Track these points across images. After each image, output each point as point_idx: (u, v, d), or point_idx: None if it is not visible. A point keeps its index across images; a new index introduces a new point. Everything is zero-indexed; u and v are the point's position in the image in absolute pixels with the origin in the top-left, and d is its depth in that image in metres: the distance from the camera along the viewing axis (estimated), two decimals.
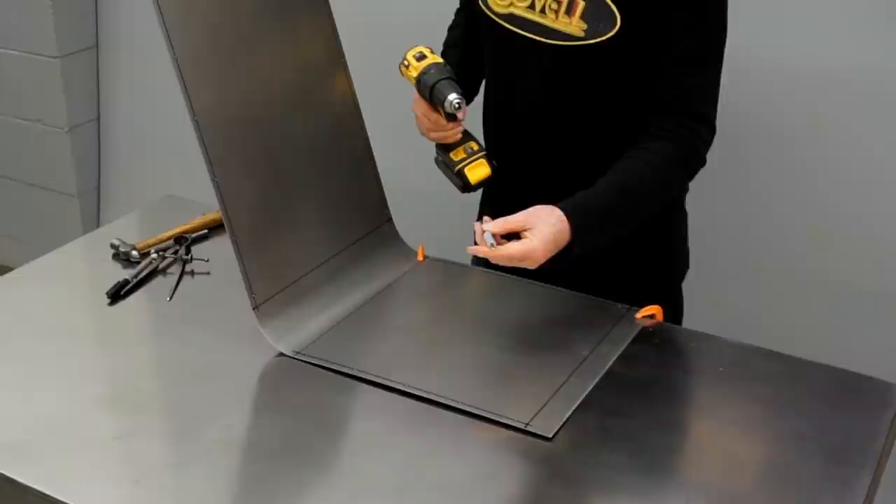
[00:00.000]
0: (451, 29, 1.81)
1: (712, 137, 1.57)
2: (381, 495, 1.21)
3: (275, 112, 1.54)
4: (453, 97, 1.53)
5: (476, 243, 1.47)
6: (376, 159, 1.69)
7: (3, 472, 1.22)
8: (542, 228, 1.44)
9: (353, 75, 1.66)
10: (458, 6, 1.79)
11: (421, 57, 1.59)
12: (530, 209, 1.47)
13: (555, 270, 1.54)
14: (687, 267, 1.78)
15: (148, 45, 2.66)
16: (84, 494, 1.20)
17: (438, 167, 1.64)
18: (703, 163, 1.57)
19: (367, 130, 1.69)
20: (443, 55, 1.69)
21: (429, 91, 1.56)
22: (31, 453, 1.26)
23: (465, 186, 1.60)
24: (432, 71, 1.57)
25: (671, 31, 1.49)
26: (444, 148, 1.61)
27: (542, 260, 1.44)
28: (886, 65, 2.08)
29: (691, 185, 1.68)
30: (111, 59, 3.16)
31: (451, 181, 1.62)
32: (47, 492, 1.19)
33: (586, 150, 1.59)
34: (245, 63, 1.50)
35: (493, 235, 1.44)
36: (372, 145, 1.69)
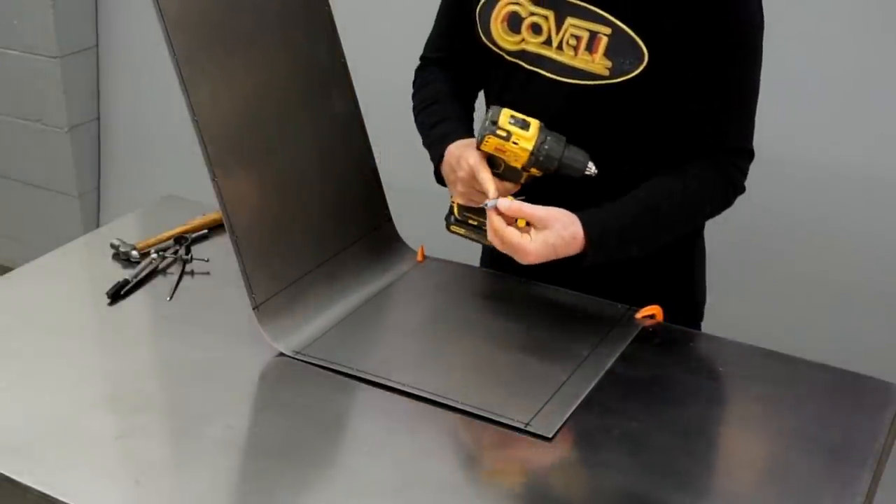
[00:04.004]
0: (421, 87, 1.68)
1: (751, 161, 1.52)
2: (381, 495, 1.21)
3: (275, 112, 1.54)
4: (590, 163, 1.44)
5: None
6: (376, 159, 1.69)
7: (3, 472, 1.22)
8: (549, 236, 1.39)
9: (353, 74, 1.66)
10: (421, 61, 1.70)
11: (524, 124, 1.42)
12: (553, 210, 1.40)
13: (557, 275, 1.52)
14: (705, 301, 1.73)
15: (148, 45, 2.67)
16: (84, 494, 1.20)
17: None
18: (741, 190, 1.53)
19: (368, 130, 1.68)
20: (420, 116, 1.63)
21: (557, 163, 1.43)
22: (31, 453, 1.26)
23: None
24: (549, 138, 1.43)
25: (706, 66, 1.42)
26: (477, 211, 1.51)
27: (530, 262, 1.40)
28: (885, 65, 2.08)
29: None
30: (111, 59, 3.16)
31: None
32: (47, 492, 1.19)
33: (600, 192, 1.47)
34: (245, 62, 1.49)
35: (500, 210, 1.39)
36: (372, 145, 1.69)
